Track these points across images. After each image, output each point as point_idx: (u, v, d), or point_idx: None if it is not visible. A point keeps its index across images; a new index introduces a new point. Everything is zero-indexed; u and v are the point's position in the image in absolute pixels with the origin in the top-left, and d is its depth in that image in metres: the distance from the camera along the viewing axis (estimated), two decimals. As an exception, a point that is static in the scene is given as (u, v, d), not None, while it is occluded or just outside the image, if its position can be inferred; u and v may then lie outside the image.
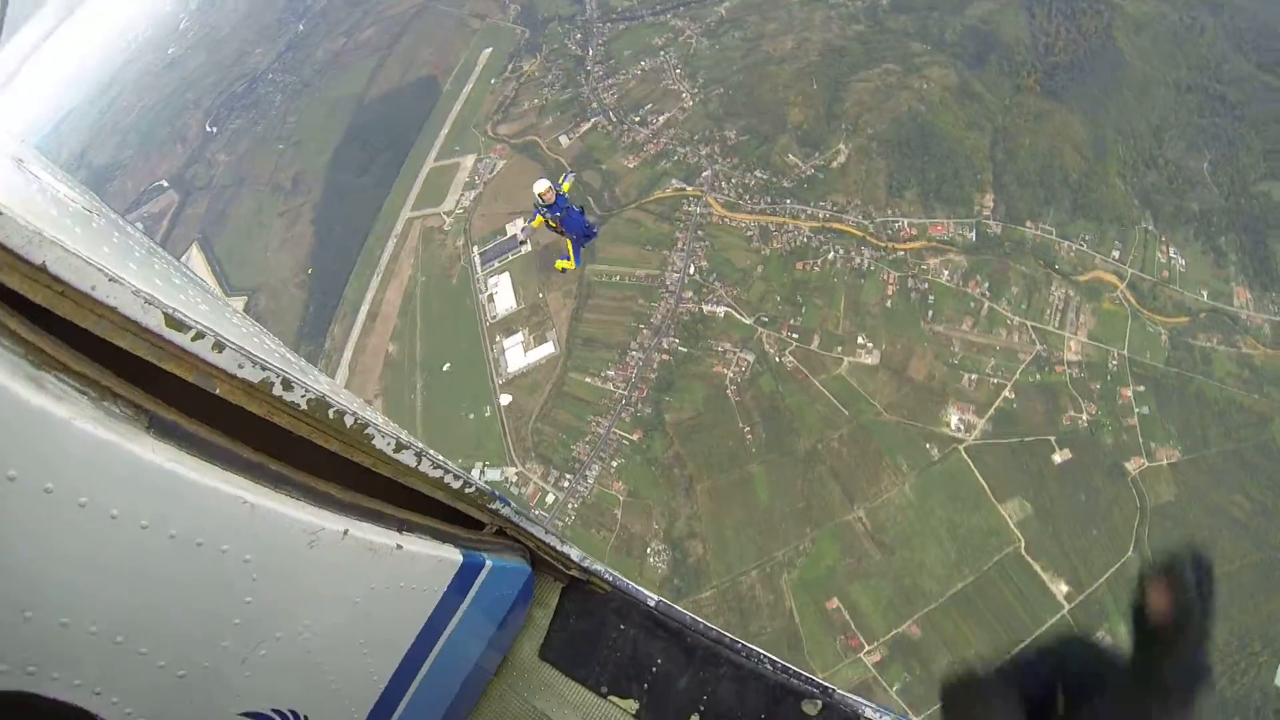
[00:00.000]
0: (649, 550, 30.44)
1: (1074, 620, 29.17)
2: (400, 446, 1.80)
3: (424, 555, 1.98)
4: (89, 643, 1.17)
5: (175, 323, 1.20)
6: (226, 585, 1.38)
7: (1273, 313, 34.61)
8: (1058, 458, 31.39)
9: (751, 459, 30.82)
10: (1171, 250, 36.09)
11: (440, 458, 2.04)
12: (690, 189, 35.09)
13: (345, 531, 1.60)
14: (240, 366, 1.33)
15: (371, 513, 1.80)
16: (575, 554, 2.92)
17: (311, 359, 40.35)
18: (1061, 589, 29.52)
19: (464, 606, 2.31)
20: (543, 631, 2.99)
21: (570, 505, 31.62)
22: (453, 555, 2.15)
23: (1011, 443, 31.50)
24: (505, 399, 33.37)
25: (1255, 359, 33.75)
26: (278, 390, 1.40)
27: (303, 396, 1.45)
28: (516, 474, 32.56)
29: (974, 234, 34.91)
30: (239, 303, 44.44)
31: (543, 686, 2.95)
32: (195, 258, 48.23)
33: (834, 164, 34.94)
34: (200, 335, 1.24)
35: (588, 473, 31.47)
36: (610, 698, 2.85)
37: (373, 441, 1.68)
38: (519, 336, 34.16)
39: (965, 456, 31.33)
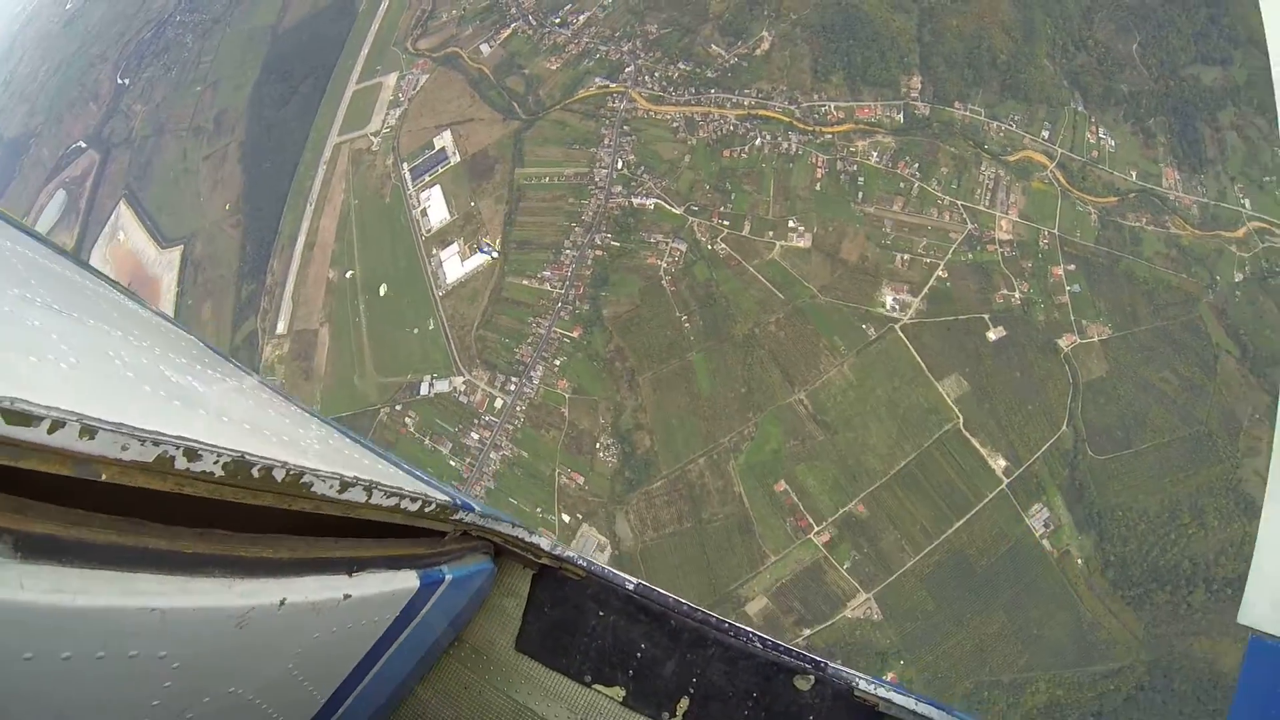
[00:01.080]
0: (598, 445, 31.24)
1: (1012, 494, 30.49)
2: (345, 486, 1.68)
3: (375, 594, 1.91)
4: None
5: (19, 416, 0.98)
6: (138, 682, 1.27)
7: (1200, 194, 35.33)
8: (992, 335, 32.33)
9: (691, 347, 31.44)
10: (1101, 131, 36.41)
11: (393, 484, 1.90)
12: (614, 85, 34.69)
13: (282, 601, 1.50)
14: (125, 449, 1.13)
15: (316, 563, 1.70)
16: (545, 543, 2.84)
17: (254, 296, 39.97)
18: (1000, 464, 30.82)
19: (417, 620, 2.25)
20: (517, 623, 2.91)
21: (518, 408, 32.22)
22: (408, 582, 2.08)
23: (946, 321, 32.35)
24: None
25: (1183, 239, 34.61)
26: (181, 464, 1.23)
27: (216, 463, 1.28)
28: (464, 383, 33.01)
29: (902, 116, 35.08)
30: (175, 254, 43.53)
31: (523, 680, 2.87)
32: (125, 214, 46.89)
33: (757, 51, 34.63)
34: (58, 425, 1.02)
35: (532, 374, 32.00)
36: (595, 686, 2.78)
37: (312, 489, 1.57)
38: (454, 247, 34.12)
39: (902, 335, 32.08)
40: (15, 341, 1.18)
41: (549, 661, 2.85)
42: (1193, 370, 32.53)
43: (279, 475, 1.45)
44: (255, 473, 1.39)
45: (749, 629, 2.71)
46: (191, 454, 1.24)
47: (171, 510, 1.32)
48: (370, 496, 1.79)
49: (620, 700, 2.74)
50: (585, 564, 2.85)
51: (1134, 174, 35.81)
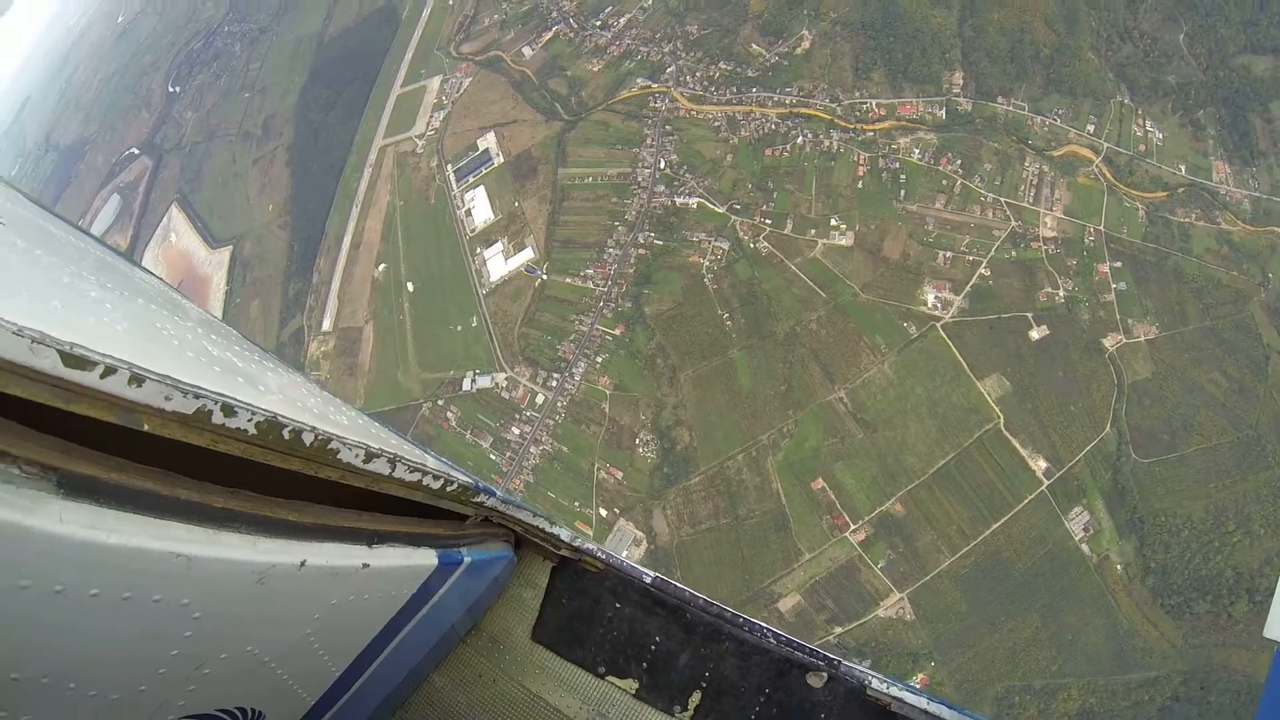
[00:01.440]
0: (638, 441, 31.75)
1: (1052, 496, 29.89)
2: (370, 456, 1.70)
3: (394, 567, 1.94)
4: (32, 690, 1.17)
5: (76, 360, 1.04)
6: (160, 627, 1.32)
7: (1252, 188, 34.36)
8: (1035, 334, 31.82)
9: (732, 345, 31.76)
10: (1148, 124, 35.64)
11: (417, 459, 1.94)
12: (656, 85, 35.22)
13: (302, 563, 1.53)
14: (168, 399, 1.19)
15: (338, 531, 1.74)
16: (565, 534, 2.83)
17: (301, 295, 41.38)
18: (1041, 465, 30.31)
19: (434, 600, 2.26)
20: (534, 613, 2.92)
21: (559, 404, 32.90)
22: (427, 560, 2.10)
23: (989, 319, 31.97)
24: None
25: (1234, 235, 33.65)
26: (218, 418, 1.28)
27: (250, 420, 1.34)
28: (506, 379, 33.80)
29: (944, 112, 34.90)
30: (225, 254, 45.26)
31: (537, 669, 2.88)
32: (176, 217, 48.86)
33: (798, 50, 34.80)
34: (110, 371, 1.09)
35: (574, 370, 32.65)
36: (608, 678, 2.78)
37: (338, 456, 1.60)
38: (498, 245, 34.97)
39: (943, 334, 31.79)
40: (74, 304, 1.27)
41: (564, 652, 2.85)
42: (1243, 372, 31.60)
43: (307, 439, 1.49)
44: (285, 434, 1.43)
45: (764, 624, 2.66)
46: (228, 410, 1.29)
47: (204, 470, 1.37)
48: (394, 470, 1.80)
49: (633, 693, 2.74)
50: (604, 556, 2.82)
51: (1183, 168, 35.03)
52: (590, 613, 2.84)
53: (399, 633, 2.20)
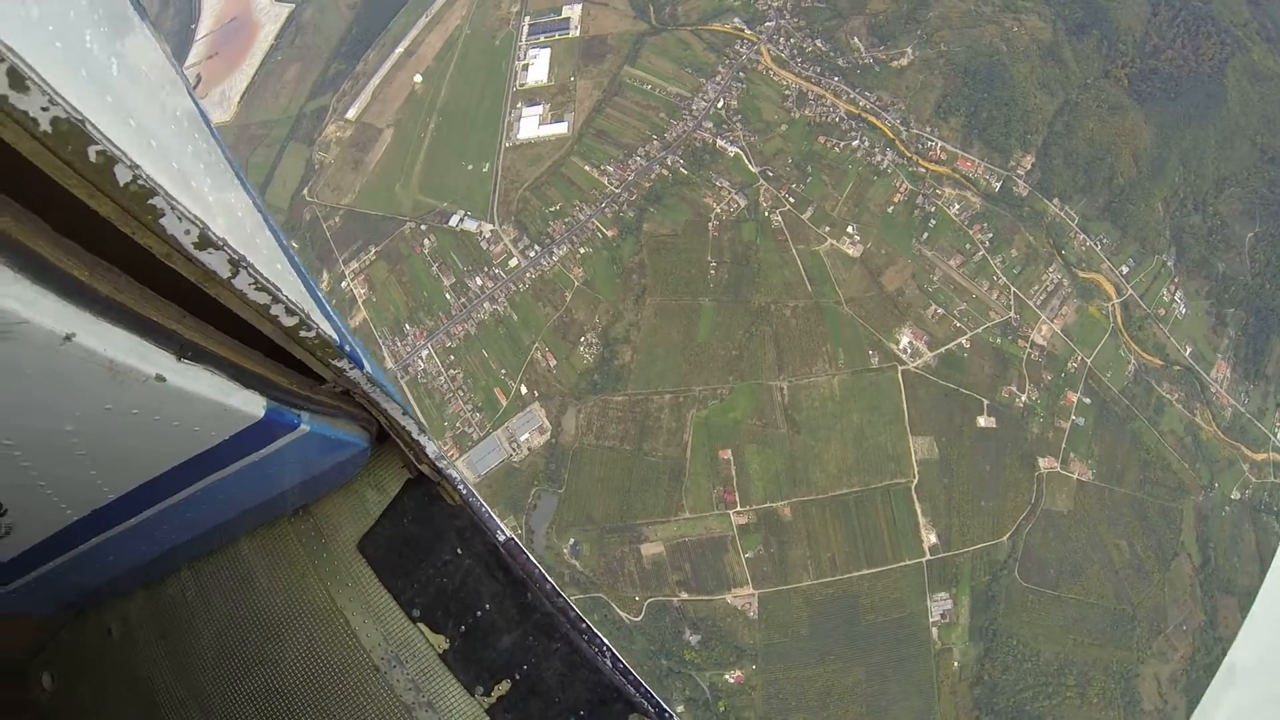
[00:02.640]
0: (583, 340, 32.16)
1: (928, 571, 30.76)
2: (206, 243, 1.33)
3: (202, 398, 1.58)
4: None
5: None
6: None
7: (1241, 402, 35.34)
8: (982, 421, 32.45)
9: (707, 293, 32.17)
10: (1179, 294, 36.31)
11: (273, 280, 1.55)
12: (749, 33, 35.31)
13: (68, 336, 1.19)
14: None
15: (141, 321, 1.39)
16: (432, 448, 2.52)
17: (339, 78, 41.20)
18: (931, 539, 30.97)
19: (254, 459, 1.96)
20: (369, 520, 2.66)
21: (529, 274, 33.22)
22: (251, 408, 1.75)
23: (947, 386, 32.55)
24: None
25: (1203, 433, 34.59)
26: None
27: (46, 108, 0.97)
28: (491, 231, 34.06)
29: (999, 185, 35.36)
30: (285, 9, 44.78)
31: (350, 582, 2.63)
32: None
33: (895, 63, 35.09)
34: None
35: (555, 250, 32.97)
36: (420, 624, 2.54)
37: (161, 221, 1.23)
38: (538, 108, 35.09)
39: (900, 379, 32.35)
40: None
41: (385, 577, 2.60)
42: (1149, 554, 32.58)
43: (122, 176, 1.12)
44: (93, 155, 1.06)
45: (606, 641, 2.40)
46: (17, 80, 0.91)
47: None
48: (235, 275, 1.43)
49: (440, 651, 2.49)
50: (464, 491, 2.58)
51: (1189, 349, 35.74)
52: (428, 546, 2.59)
53: (202, 479, 1.91)
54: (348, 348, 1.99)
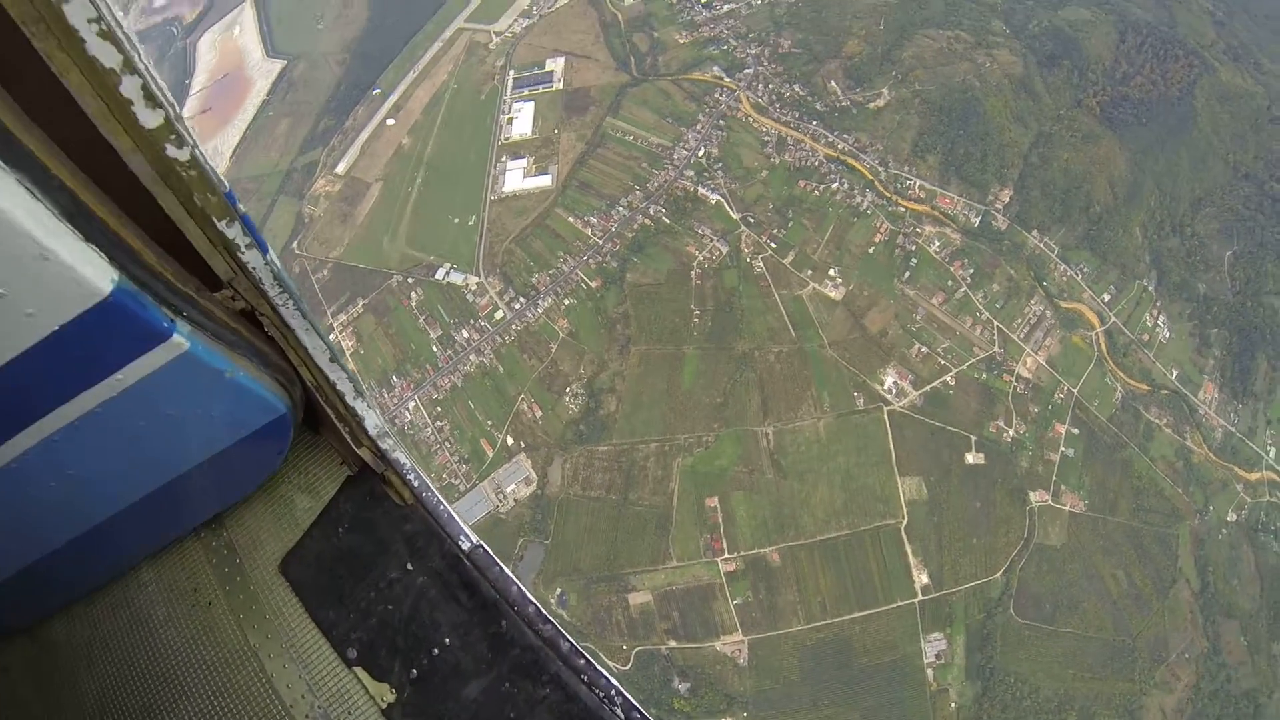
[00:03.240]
0: (568, 390, 32.52)
1: (920, 612, 30.40)
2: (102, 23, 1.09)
3: (10, 224, 1.10)
4: None
5: None
6: None
7: (1231, 421, 35.23)
8: (971, 458, 32.25)
9: (690, 341, 32.47)
10: (1161, 318, 36.36)
11: (125, 29, 1.18)
12: (728, 81, 36.06)
13: None
14: None
15: None
16: (372, 422, 1.94)
17: (329, 133, 42.18)
18: (923, 579, 30.69)
19: (111, 387, 1.46)
20: (296, 534, 2.12)
21: (514, 326, 33.72)
22: (96, 278, 1.26)
23: (934, 425, 32.46)
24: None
25: (1194, 456, 34.41)
26: None
27: None
28: (477, 284, 34.66)
29: (979, 220, 35.74)
30: (277, 66, 46.05)
31: (267, 616, 2.09)
32: (247, 13, 49.54)
33: (871, 104, 35.71)
34: None
35: (540, 302, 33.49)
36: (357, 670, 1.98)
37: None
38: (523, 161, 35.83)
39: (886, 419, 32.29)
40: None
41: (313, 606, 2.05)
42: (1146, 583, 32.29)
43: None
44: None
45: (614, 680, 1.80)
46: None
47: None
48: (117, 50, 1.13)
49: (382, 706, 1.92)
50: (416, 484, 2.02)
51: (1175, 373, 35.69)
52: (369, 562, 2.03)
53: (28, 413, 1.43)
54: (242, 208, 1.49)
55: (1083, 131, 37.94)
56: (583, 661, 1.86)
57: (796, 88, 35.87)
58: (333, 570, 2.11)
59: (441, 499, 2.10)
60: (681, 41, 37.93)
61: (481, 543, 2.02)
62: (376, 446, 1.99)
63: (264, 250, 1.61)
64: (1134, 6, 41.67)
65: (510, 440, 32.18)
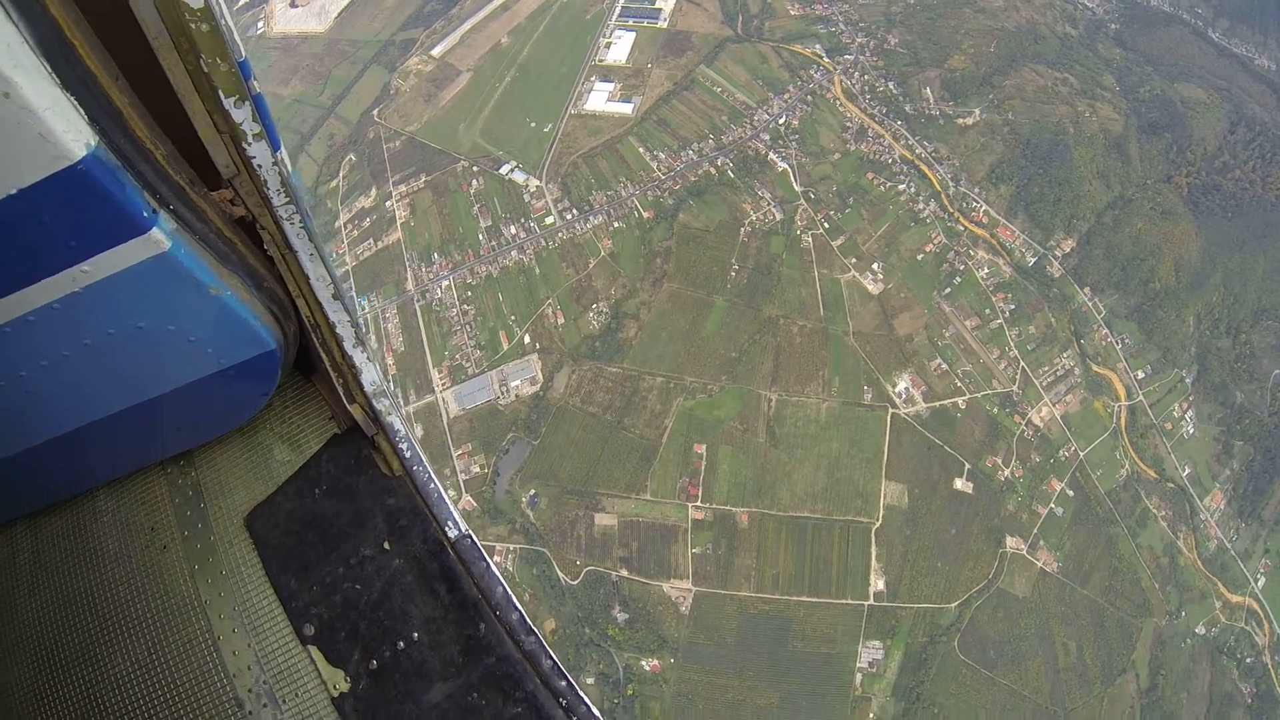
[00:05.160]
0: (594, 307, 33.40)
1: (867, 616, 30.48)
2: None
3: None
4: None
5: None
6: None
7: (1230, 538, 34.63)
8: (959, 484, 32.21)
9: (723, 292, 33.11)
10: (1190, 413, 35.81)
11: None
12: (827, 61, 36.82)
13: None
14: None
15: None
16: (369, 377, 1.77)
17: (433, 16, 43.80)
18: (879, 585, 30.67)
19: (77, 276, 1.27)
20: (268, 489, 1.97)
21: (560, 235, 34.86)
22: (69, 141, 1.08)
23: (933, 441, 32.48)
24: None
25: (1182, 558, 33.94)
26: None
27: None
28: (536, 187, 35.88)
29: (1034, 260, 35.72)
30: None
31: (225, 569, 1.93)
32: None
33: (960, 120, 35.97)
34: None
35: (592, 218, 34.51)
36: (312, 648, 1.81)
37: None
38: (610, 85, 36.97)
39: (888, 421, 32.48)
40: None
41: (274, 570, 1.90)
42: (1096, 663, 32.04)
43: None
44: None
45: (594, 709, 1.69)
46: None
47: None
48: None
49: (333, 695, 1.76)
50: (408, 454, 1.85)
51: (1188, 470, 35.23)
52: (344, 532, 1.87)
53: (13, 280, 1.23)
54: (256, 85, 1.29)
55: (1164, 207, 37.51)
56: (564, 684, 1.67)
57: (891, 85, 36.32)
58: (302, 534, 1.91)
59: (433, 476, 1.89)
60: (793, 13, 38.65)
61: (470, 532, 1.81)
62: (370, 405, 1.78)
63: (275, 145, 1.39)
64: (1254, 102, 41.03)
65: (528, 339, 33.24)
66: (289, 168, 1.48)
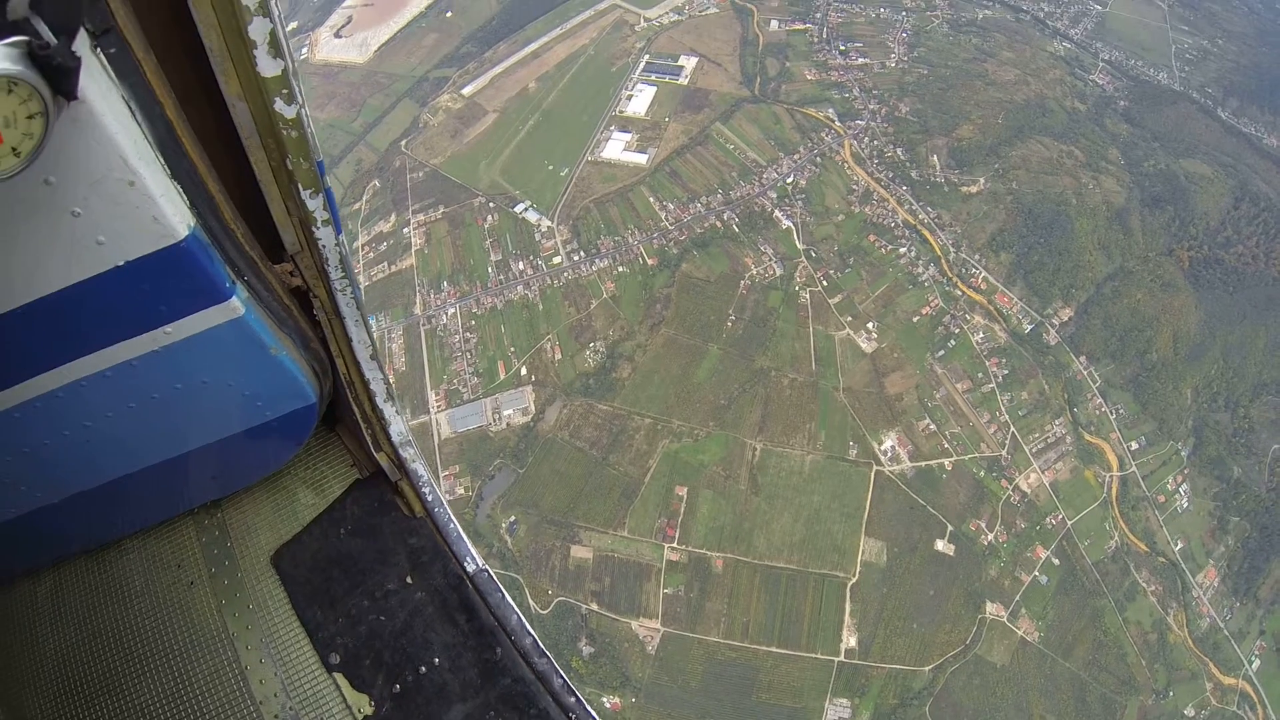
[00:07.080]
0: (591, 345, 34.23)
1: (836, 674, 29.83)
2: None
3: (107, 136, 1.05)
4: None
5: None
6: None
7: (1223, 616, 33.72)
8: (940, 545, 31.72)
9: (718, 340, 33.80)
10: (1185, 487, 35.10)
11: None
12: (839, 125, 38.06)
13: None
14: None
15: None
16: (397, 429, 1.94)
17: (467, 58, 46.30)
18: (851, 642, 29.98)
19: (160, 338, 1.42)
20: (295, 528, 2.09)
21: (566, 274, 36.24)
22: (171, 214, 1.23)
23: (916, 500, 32.14)
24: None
25: (1170, 636, 32.95)
26: None
27: None
28: (548, 227, 37.42)
29: (1030, 328, 35.81)
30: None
31: (252, 603, 2.01)
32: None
33: (965, 188, 36.67)
34: None
35: (597, 261, 35.86)
36: (338, 675, 1.92)
37: None
38: (628, 135, 38.62)
39: (871, 478, 32.30)
40: None
41: (300, 603, 2.01)
42: None
43: None
44: None
45: (595, 715, 1.86)
46: None
47: None
48: None
49: (359, 718, 1.88)
50: (429, 498, 2.02)
51: (1180, 545, 34.32)
52: (368, 568, 2.02)
53: (84, 344, 1.34)
54: (329, 181, 1.46)
55: (1164, 279, 37.46)
56: (573, 700, 1.81)
57: (899, 151, 37.32)
58: (327, 571, 2.03)
59: (452, 516, 2.04)
60: (809, 78, 40.09)
61: (486, 567, 1.99)
62: (396, 453, 1.95)
63: (338, 230, 1.61)
64: (1259, 179, 41.04)
65: (524, 371, 34.17)
66: (347, 248, 1.69)
